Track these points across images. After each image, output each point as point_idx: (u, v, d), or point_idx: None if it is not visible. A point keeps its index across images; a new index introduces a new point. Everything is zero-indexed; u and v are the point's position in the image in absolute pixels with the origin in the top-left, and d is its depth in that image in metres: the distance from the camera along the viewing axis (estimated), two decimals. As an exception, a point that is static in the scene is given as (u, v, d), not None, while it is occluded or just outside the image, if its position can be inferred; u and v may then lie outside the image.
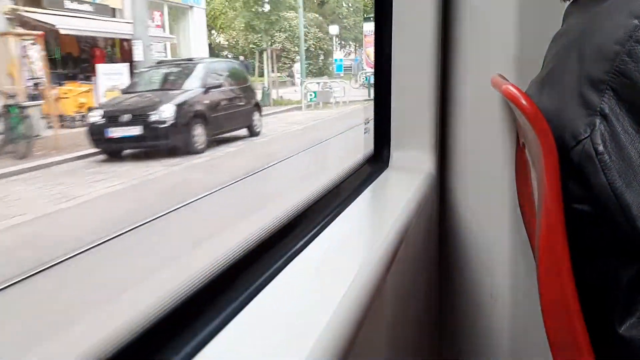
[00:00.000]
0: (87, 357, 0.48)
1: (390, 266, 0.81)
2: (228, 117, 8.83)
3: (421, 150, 1.33)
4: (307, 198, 0.98)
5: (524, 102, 0.70)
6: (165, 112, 7.41)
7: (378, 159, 1.37)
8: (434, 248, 1.40)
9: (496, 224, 1.36)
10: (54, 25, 9.72)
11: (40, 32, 8.54)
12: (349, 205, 1.02)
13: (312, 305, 0.64)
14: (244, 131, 9.39)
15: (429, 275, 1.38)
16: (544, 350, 0.79)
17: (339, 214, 0.96)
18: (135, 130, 7.17)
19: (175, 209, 4.92)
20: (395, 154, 1.36)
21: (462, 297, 1.43)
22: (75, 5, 10.88)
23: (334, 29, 25.95)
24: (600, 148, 0.70)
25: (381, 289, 0.77)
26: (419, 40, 1.31)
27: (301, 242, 0.81)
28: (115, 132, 7.13)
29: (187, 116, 7.73)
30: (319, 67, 26.18)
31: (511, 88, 0.72)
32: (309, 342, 0.54)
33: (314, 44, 26.01)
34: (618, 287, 0.77)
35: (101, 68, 10.38)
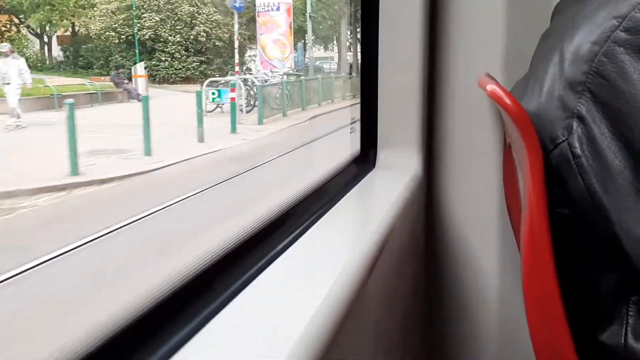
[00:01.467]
0: (59, 357, 0.46)
1: (374, 266, 0.80)
2: None
3: (408, 150, 1.33)
4: (290, 198, 0.97)
5: (508, 102, 0.69)
6: None
7: (364, 159, 1.36)
8: (421, 249, 1.39)
9: (483, 225, 1.35)
10: None
11: None
12: (333, 205, 1.01)
13: (293, 306, 0.63)
14: None
15: (416, 276, 1.37)
16: (531, 352, 0.78)
17: (323, 214, 0.95)
18: None
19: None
20: (382, 154, 1.35)
21: (449, 298, 1.42)
22: None
23: (261, 15, 17.84)
24: (578, 151, 0.69)
25: (364, 290, 0.76)
26: (406, 38, 1.30)
27: (284, 243, 0.80)
28: None
29: None
30: (217, 66, 17.37)
31: (495, 88, 0.71)
32: (288, 343, 0.53)
33: (205, 32, 16.97)
34: (599, 293, 0.76)
35: None
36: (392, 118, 1.34)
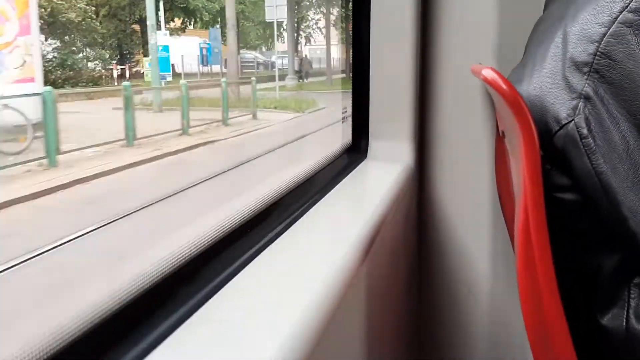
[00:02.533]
0: (26, 356, 0.44)
1: (366, 256, 0.79)
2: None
3: (400, 141, 1.31)
4: (281, 187, 0.95)
5: (503, 86, 0.68)
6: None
7: (356, 149, 1.35)
8: (413, 240, 1.38)
9: (475, 216, 1.34)
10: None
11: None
12: (324, 195, 0.99)
13: (283, 296, 0.61)
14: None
15: (407, 266, 1.36)
16: (522, 343, 0.77)
17: (313, 205, 0.94)
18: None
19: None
20: (374, 144, 1.34)
21: (440, 289, 1.41)
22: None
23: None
24: (585, 132, 0.68)
25: (356, 280, 0.74)
26: (398, 28, 1.28)
27: (274, 232, 0.79)
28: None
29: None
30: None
31: (491, 72, 0.70)
32: (279, 334, 0.52)
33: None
34: (600, 276, 0.76)
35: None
36: (384, 108, 1.32)
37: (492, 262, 1.35)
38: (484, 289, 1.37)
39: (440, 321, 1.43)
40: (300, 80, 17.21)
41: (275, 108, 12.10)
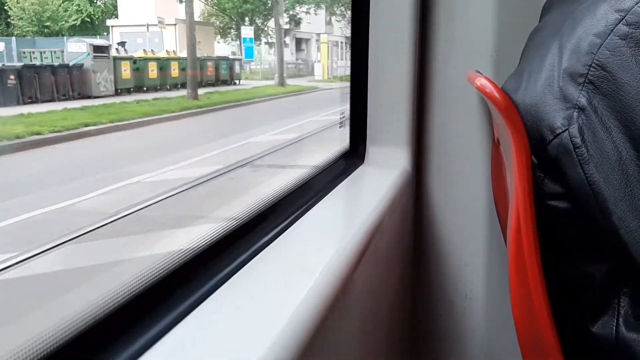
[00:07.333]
0: (21, 356, 0.45)
1: (361, 260, 0.80)
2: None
3: (397, 146, 1.32)
4: (277, 191, 0.96)
5: (497, 95, 0.68)
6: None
7: (353, 154, 1.35)
8: (408, 245, 1.39)
9: (472, 222, 1.35)
10: None
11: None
12: (320, 200, 1.00)
13: (275, 300, 0.62)
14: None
15: (403, 272, 1.37)
16: (517, 349, 0.78)
17: (309, 209, 0.94)
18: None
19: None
20: (371, 150, 1.35)
21: (436, 295, 1.42)
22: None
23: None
24: (578, 141, 0.69)
25: (350, 283, 0.75)
26: (397, 35, 1.29)
27: (268, 236, 0.79)
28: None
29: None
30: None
31: (485, 82, 0.71)
32: (270, 337, 0.52)
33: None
34: (591, 284, 0.76)
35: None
36: (381, 114, 1.33)
37: (488, 267, 1.36)
38: (480, 294, 1.37)
39: (435, 326, 1.43)
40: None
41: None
